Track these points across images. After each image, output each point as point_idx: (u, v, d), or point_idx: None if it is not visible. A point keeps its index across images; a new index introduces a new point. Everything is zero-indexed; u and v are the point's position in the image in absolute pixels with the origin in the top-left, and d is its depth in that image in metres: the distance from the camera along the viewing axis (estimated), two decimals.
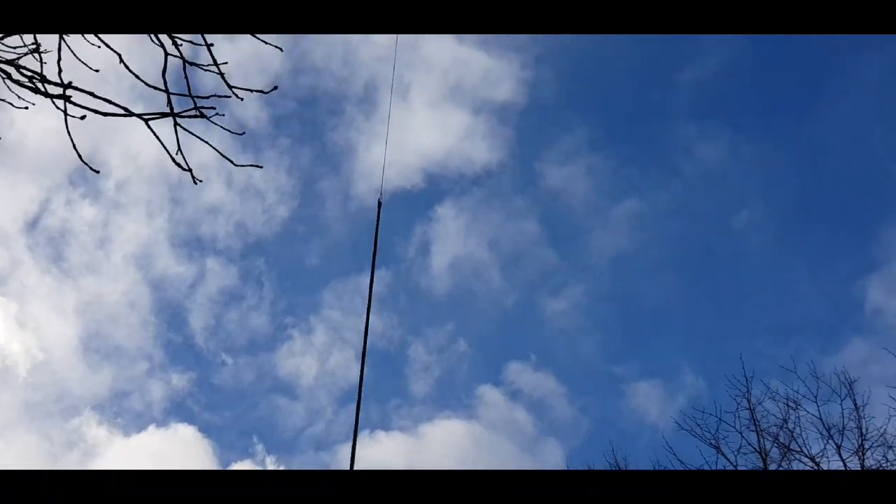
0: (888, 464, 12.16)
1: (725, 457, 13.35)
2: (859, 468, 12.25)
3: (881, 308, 24.20)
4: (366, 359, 5.93)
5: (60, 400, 29.98)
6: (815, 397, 13.14)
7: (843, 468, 12.41)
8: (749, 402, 13.62)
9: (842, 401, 12.99)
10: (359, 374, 5.88)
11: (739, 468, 13.13)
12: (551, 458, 29.26)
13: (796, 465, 12.96)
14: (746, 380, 13.78)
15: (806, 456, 12.83)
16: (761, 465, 13.10)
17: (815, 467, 12.67)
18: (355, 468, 5.19)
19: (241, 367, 30.70)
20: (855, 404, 12.86)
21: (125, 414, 30.80)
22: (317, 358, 30.20)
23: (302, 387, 31.40)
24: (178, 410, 31.02)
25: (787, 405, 13.28)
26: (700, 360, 26.10)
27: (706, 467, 13.37)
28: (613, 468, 15.83)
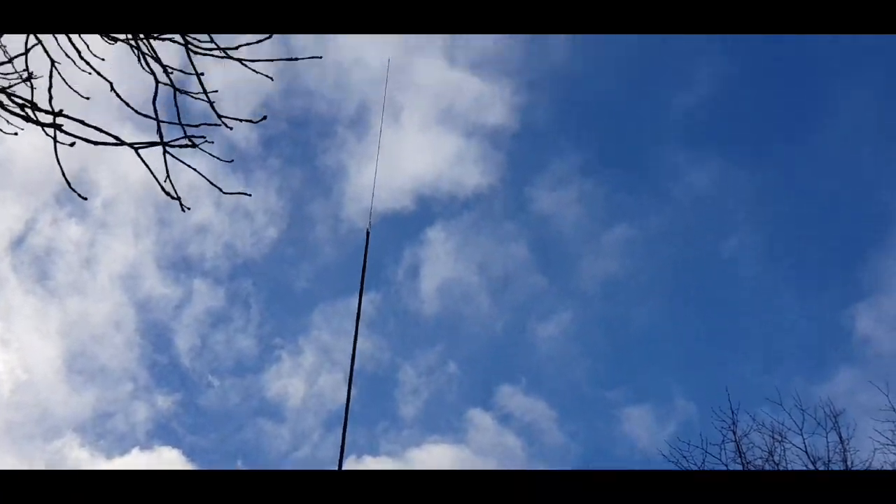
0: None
1: None
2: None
3: (869, 337, 24.46)
4: (354, 381, 5.89)
5: (42, 421, 30.22)
6: (801, 430, 13.20)
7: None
8: (735, 434, 13.76)
9: (827, 434, 13.07)
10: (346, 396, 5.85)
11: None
12: None
13: None
14: (732, 412, 13.85)
15: None
16: None
17: None
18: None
19: (228, 388, 30.98)
20: (840, 438, 12.94)
21: (108, 436, 31.07)
22: (305, 380, 30.45)
23: (289, 409, 31.69)
24: (162, 433, 31.31)
25: (773, 437, 13.39)
26: (691, 386, 26.46)
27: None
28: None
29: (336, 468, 4.24)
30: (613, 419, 29.10)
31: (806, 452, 12.95)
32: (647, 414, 28.16)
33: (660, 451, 16.56)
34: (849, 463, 12.59)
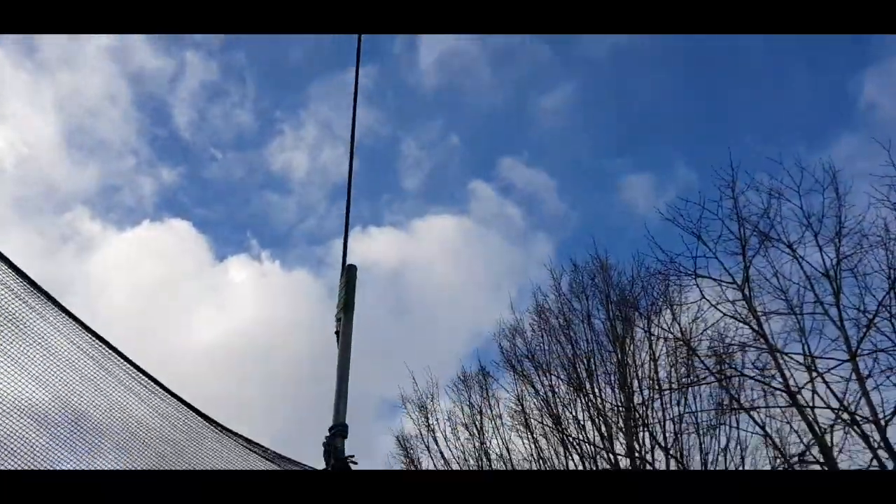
0: (861, 250, 12.40)
1: (706, 244, 13.62)
2: (834, 257, 12.50)
3: (875, 103, 24.08)
4: (356, 155, 5.56)
5: (50, 195, 29.73)
6: (799, 188, 13.23)
7: (820, 261, 12.61)
8: (733, 191, 13.80)
9: (824, 190, 13.10)
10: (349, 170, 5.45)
11: (718, 254, 13.45)
12: (540, 251, 30.04)
13: (773, 253, 13.20)
14: (732, 169, 13.82)
15: (784, 243, 13.08)
16: (740, 251, 13.32)
17: (791, 254, 12.90)
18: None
19: (231, 162, 30.41)
20: (836, 192, 12.97)
21: (117, 209, 30.78)
22: (307, 153, 29.98)
23: (294, 181, 31.32)
24: (170, 205, 31.04)
25: (770, 195, 13.44)
26: (693, 154, 26.12)
27: (686, 255, 13.62)
28: (596, 265, 16.85)
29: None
30: (613, 188, 29.18)
31: (801, 209, 13.08)
32: (647, 182, 28.07)
33: (657, 209, 16.84)
34: (842, 218, 12.66)
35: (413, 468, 16.56)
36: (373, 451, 18.00)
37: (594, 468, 14.62)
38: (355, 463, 4.07)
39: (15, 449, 3.43)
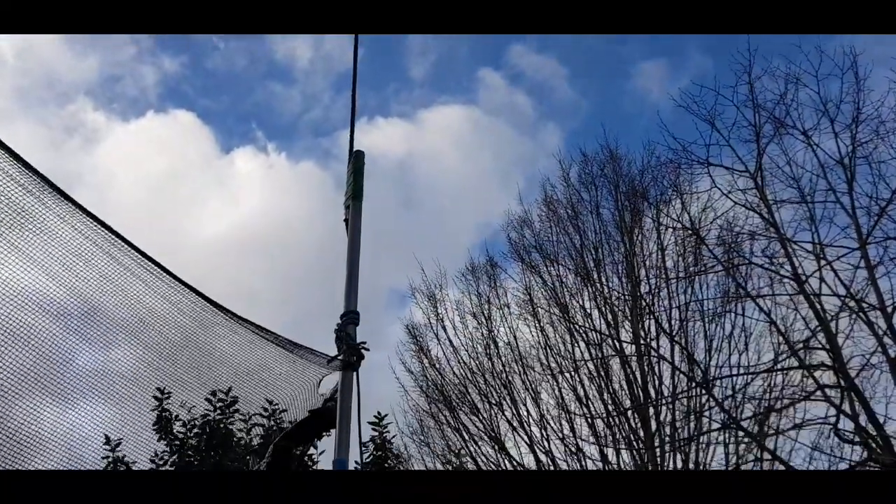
0: (877, 137, 12.08)
1: (720, 132, 13.29)
2: (849, 144, 12.23)
3: None
4: (360, 42, 5.31)
5: (51, 86, 29.60)
6: (816, 73, 12.72)
7: (835, 149, 12.31)
8: (749, 76, 13.30)
9: (843, 75, 12.63)
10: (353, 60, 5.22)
11: (731, 142, 13.22)
12: (550, 141, 29.83)
13: (787, 141, 12.95)
14: (749, 53, 13.23)
15: (799, 130, 12.81)
16: (754, 139, 13.07)
17: (806, 141, 12.65)
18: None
19: (234, 51, 29.88)
20: (856, 76, 12.50)
21: (120, 100, 30.72)
22: (311, 42, 29.52)
23: (297, 70, 30.94)
24: (173, 96, 31.02)
25: (787, 81, 12.98)
26: (708, 39, 25.21)
27: (700, 142, 13.33)
28: (605, 155, 16.78)
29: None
30: (625, 75, 28.81)
31: (819, 95, 12.76)
32: (660, 69, 27.63)
33: (670, 96, 16.50)
34: (860, 103, 12.40)
35: (423, 355, 17.05)
36: (384, 340, 18.45)
37: (600, 355, 14.98)
38: (367, 350, 4.11)
39: (25, 336, 3.47)
